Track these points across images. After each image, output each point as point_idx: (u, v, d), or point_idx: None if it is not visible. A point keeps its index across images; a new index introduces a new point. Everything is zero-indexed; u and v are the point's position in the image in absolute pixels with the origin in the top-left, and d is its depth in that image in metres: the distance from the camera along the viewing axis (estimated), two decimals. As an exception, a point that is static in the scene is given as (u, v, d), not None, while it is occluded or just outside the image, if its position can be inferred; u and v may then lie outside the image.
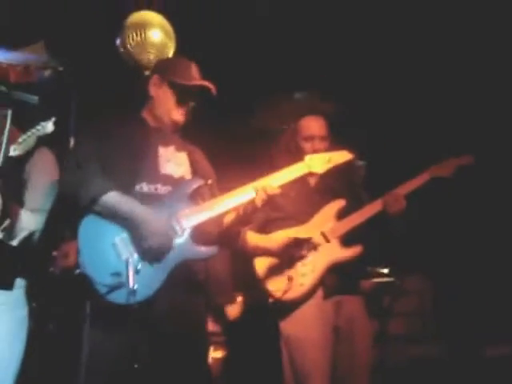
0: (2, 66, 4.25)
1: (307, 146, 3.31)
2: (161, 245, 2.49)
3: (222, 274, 3.20)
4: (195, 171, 2.80)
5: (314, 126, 3.37)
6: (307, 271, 3.15)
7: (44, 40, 4.21)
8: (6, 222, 2.79)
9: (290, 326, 3.15)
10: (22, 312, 2.85)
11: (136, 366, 2.35)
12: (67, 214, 2.71)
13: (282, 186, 2.68)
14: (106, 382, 2.47)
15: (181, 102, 2.76)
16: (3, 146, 1.98)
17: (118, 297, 2.41)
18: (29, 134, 2.29)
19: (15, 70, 4.26)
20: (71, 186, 2.55)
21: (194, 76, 2.78)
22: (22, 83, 4.11)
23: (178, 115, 2.78)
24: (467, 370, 4.00)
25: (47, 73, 4.26)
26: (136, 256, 2.49)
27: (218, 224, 2.74)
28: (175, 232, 2.54)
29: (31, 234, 2.83)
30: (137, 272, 2.42)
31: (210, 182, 2.72)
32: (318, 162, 2.81)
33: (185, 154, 2.83)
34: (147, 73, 3.82)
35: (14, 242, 2.83)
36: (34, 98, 2.00)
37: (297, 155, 3.20)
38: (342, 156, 2.88)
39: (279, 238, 3.20)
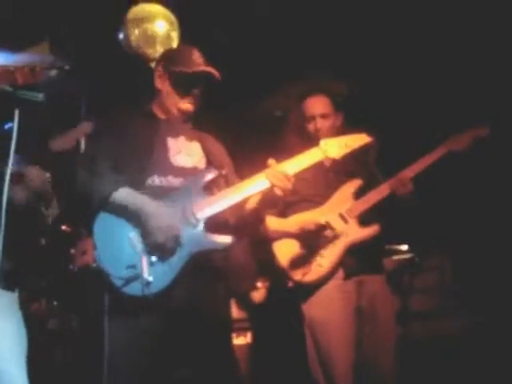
0: (8, 69, 4.27)
1: (310, 126, 3.31)
2: (167, 239, 2.47)
3: (243, 260, 3.19)
4: (209, 161, 2.77)
5: (313, 105, 3.36)
6: (326, 253, 3.15)
7: (48, 40, 4.22)
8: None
9: (312, 308, 3.15)
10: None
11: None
12: (82, 212, 2.72)
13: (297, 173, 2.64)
14: (129, 374, 2.48)
15: (185, 90, 2.74)
16: (13, 144, 1.97)
17: (134, 289, 2.43)
18: None
19: (21, 71, 4.27)
20: (84, 185, 2.56)
21: (197, 62, 2.74)
22: (29, 85, 4.13)
23: (186, 104, 2.75)
24: (491, 343, 3.98)
25: (53, 73, 4.27)
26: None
27: (235, 213, 2.72)
28: (189, 224, 2.53)
29: None
30: (151, 264, 2.45)
31: (224, 172, 2.70)
32: (334, 146, 2.76)
33: (197, 143, 2.81)
34: (152, 65, 3.81)
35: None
36: (39, 96, 2.00)
37: (305, 137, 3.20)
38: (360, 139, 2.83)
39: (297, 221, 3.19)
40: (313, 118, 3.32)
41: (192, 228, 2.54)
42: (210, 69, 2.72)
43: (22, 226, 2.84)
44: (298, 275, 3.13)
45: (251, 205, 2.70)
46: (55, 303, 3.72)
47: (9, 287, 2.95)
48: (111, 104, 3.78)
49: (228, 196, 2.61)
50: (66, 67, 4.26)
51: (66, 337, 3.65)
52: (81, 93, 4.31)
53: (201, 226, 2.55)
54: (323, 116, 3.31)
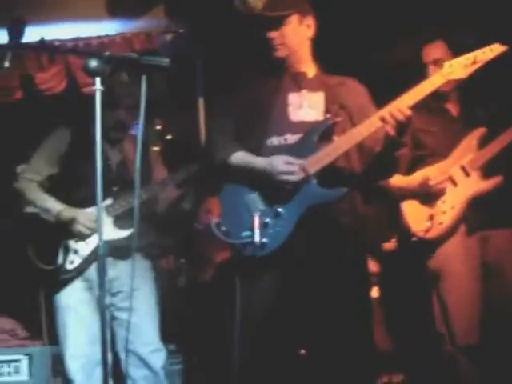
0: (125, 37, 4.41)
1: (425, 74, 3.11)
2: (286, 182, 2.52)
3: (371, 213, 3.16)
4: (328, 110, 2.69)
5: (426, 52, 3.20)
6: (446, 208, 3.05)
7: (163, 4, 4.30)
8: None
9: (435, 264, 3.09)
10: None
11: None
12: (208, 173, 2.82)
13: (415, 106, 2.50)
14: (259, 330, 2.56)
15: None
16: (142, 110, 2.04)
17: (250, 250, 2.52)
18: None
19: (138, 38, 4.40)
20: (208, 147, 2.71)
21: None
22: (146, 50, 4.25)
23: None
24: None
25: (169, 37, 4.36)
26: (264, 210, 2.55)
27: (353, 160, 2.68)
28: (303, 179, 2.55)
29: None
30: (265, 225, 2.52)
31: (339, 119, 2.63)
32: (460, 66, 2.56)
33: (322, 93, 2.73)
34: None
35: None
36: (166, 61, 2.04)
37: None
38: (492, 50, 2.58)
39: (420, 177, 3.12)
40: (426, 65, 3.17)
41: (305, 182, 2.55)
42: None
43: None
44: (420, 232, 3.07)
45: (370, 150, 2.65)
46: (182, 260, 3.89)
47: (150, 255, 3.15)
48: (227, 67, 3.79)
49: (338, 145, 2.57)
50: (181, 31, 4.36)
51: (195, 293, 3.80)
52: (196, 56, 4.36)
53: (313, 180, 2.55)
54: (435, 62, 3.12)
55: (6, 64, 2.14)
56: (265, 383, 2.54)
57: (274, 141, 2.65)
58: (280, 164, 2.53)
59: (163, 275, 3.50)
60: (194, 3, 4.10)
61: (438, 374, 3.09)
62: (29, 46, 3.03)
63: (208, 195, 3.77)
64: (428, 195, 3.09)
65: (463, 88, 3.16)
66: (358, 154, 2.68)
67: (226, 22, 3.97)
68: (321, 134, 2.60)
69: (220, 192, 2.68)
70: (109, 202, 3.05)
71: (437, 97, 2.98)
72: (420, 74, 3.08)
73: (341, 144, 2.56)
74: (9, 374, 3.15)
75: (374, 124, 2.52)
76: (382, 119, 2.50)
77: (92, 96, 1.92)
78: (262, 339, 2.55)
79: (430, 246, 3.09)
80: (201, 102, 4.41)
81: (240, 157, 2.64)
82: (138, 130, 2.14)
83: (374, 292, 3.61)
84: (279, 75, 2.74)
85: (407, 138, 2.81)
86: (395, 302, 3.23)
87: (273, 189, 2.57)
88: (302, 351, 2.89)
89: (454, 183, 3.07)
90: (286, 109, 2.68)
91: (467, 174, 3.08)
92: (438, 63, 3.08)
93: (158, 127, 4.13)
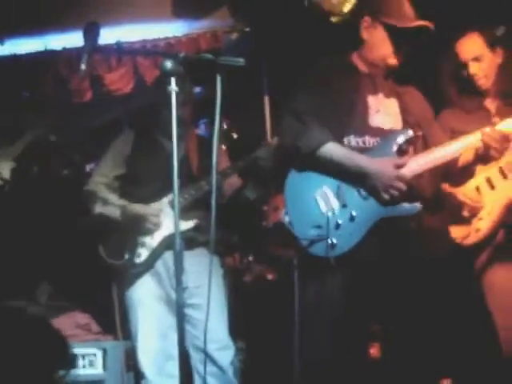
0: (192, 37, 4.47)
1: (464, 72, 2.98)
2: (384, 184, 2.48)
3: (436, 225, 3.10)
4: (405, 120, 2.68)
5: (463, 49, 3.01)
6: (483, 214, 2.87)
7: (228, 3, 4.33)
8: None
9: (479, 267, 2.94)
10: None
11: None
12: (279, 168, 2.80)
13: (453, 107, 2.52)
14: (323, 329, 2.54)
15: (397, 45, 2.59)
16: (217, 109, 2.07)
17: (318, 250, 2.48)
18: None
19: (204, 38, 4.45)
20: (290, 138, 2.59)
21: (409, 15, 2.58)
22: (212, 50, 4.28)
23: (394, 59, 2.62)
24: None
25: (234, 36, 4.39)
26: (337, 210, 2.51)
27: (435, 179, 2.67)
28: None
29: None
30: (337, 226, 2.48)
31: (420, 133, 2.62)
32: None
33: (395, 100, 2.71)
34: (334, 19, 3.76)
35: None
36: (241, 61, 2.06)
37: (463, 85, 2.96)
38: None
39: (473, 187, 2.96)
40: (465, 63, 2.98)
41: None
42: (425, 22, 2.56)
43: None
44: (458, 239, 2.92)
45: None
46: (250, 258, 3.91)
47: (217, 252, 3.19)
48: (293, 60, 3.77)
49: (435, 157, 2.54)
50: (247, 29, 4.38)
51: (261, 290, 3.82)
52: (262, 54, 4.38)
53: None
54: (476, 59, 2.96)
55: (83, 66, 2.19)
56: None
57: (352, 141, 2.61)
58: (392, 177, 2.48)
59: (230, 273, 3.52)
60: (259, 3, 4.11)
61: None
62: (107, 48, 3.12)
63: (276, 192, 3.80)
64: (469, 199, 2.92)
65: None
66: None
67: (291, 20, 3.97)
68: (400, 144, 2.57)
69: (287, 185, 2.60)
70: (172, 196, 3.11)
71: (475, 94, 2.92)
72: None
73: (437, 157, 2.53)
74: (84, 367, 3.24)
75: (473, 144, 2.52)
76: (484, 142, 2.47)
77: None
78: (328, 339, 2.52)
79: (469, 252, 2.93)
80: (266, 100, 4.44)
81: (337, 149, 2.55)
82: (213, 127, 2.16)
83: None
84: (355, 74, 2.70)
85: None
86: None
87: (355, 190, 2.54)
88: (370, 351, 2.88)
89: (492, 186, 2.89)
90: (367, 111, 2.63)
91: (505, 177, 2.87)
92: (479, 59, 2.96)
93: (225, 126, 4.17)
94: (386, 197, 2.49)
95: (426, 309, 2.61)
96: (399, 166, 2.50)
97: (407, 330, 2.54)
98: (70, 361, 2.98)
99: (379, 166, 2.50)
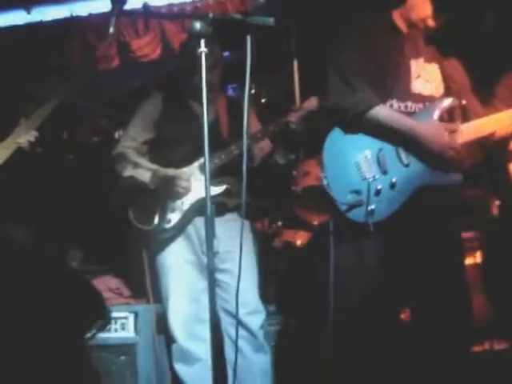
0: (219, 0, 4.41)
1: None
2: (437, 148, 2.45)
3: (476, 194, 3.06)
4: (448, 87, 2.63)
5: None
6: None
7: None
8: None
9: None
10: None
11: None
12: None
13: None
14: (359, 294, 2.55)
15: (439, 9, 2.55)
16: (247, 71, 2.04)
17: (357, 215, 2.46)
18: None
19: (232, 0, 4.39)
20: (336, 99, 2.54)
21: None
22: (239, 13, 4.22)
23: (433, 21, 2.58)
24: None
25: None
26: (378, 176, 2.48)
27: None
28: None
29: None
30: (377, 193, 2.45)
31: (464, 101, 2.57)
32: None
33: (436, 65, 2.66)
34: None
35: None
36: (271, 20, 2.02)
37: None
38: None
39: None
40: None
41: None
42: None
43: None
44: None
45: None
46: (279, 223, 3.90)
47: (247, 217, 3.18)
48: (320, 28, 3.70)
49: (485, 123, 2.51)
50: (275, -9, 4.31)
51: (291, 254, 3.82)
52: (289, 17, 4.31)
53: None
54: None
55: (111, 30, 2.18)
56: (362, 347, 2.53)
57: (395, 105, 2.57)
58: (445, 142, 2.45)
59: (259, 237, 3.52)
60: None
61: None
62: (134, 12, 3.09)
63: (305, 158, 3.77)
64: None
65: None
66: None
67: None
68: (443, 111, 2.53)
69: (326, 148, 2.57)
70: (202, 160, 3.10)
71: None
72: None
73: (488, 124, 2.50)
74: (116, 330, 3.28)
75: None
76: None
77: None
78: (363, 303, 2.53)
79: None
80: (295, 64, 4.37)
81: (386, 112, 2.52)
82: (243, 90, 2.13)
83: (476, 257, 3.51)
84: (398, 35, 2.64)
85: None
86: (499, 267, 3.13)
87: (396, 157, 2.51)
88: (402, 316, 2.87)
89: None
90: (410, 76, 2.58)
91: None
92: None
93: (253, 91, 4.13)
94: (437, 160, 2.46)
95: (460, 281, 2.58)
96: (451, 131, 2.46)
97: (439, 303, 2.53)
98: (106, 313, 3.01)
99: (431, 129, 2.47)
